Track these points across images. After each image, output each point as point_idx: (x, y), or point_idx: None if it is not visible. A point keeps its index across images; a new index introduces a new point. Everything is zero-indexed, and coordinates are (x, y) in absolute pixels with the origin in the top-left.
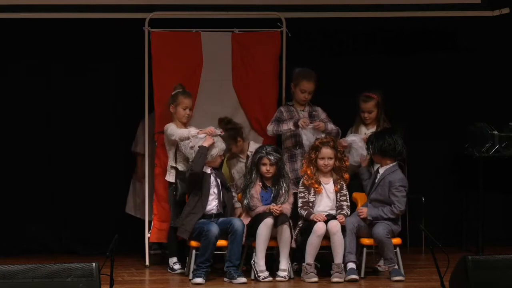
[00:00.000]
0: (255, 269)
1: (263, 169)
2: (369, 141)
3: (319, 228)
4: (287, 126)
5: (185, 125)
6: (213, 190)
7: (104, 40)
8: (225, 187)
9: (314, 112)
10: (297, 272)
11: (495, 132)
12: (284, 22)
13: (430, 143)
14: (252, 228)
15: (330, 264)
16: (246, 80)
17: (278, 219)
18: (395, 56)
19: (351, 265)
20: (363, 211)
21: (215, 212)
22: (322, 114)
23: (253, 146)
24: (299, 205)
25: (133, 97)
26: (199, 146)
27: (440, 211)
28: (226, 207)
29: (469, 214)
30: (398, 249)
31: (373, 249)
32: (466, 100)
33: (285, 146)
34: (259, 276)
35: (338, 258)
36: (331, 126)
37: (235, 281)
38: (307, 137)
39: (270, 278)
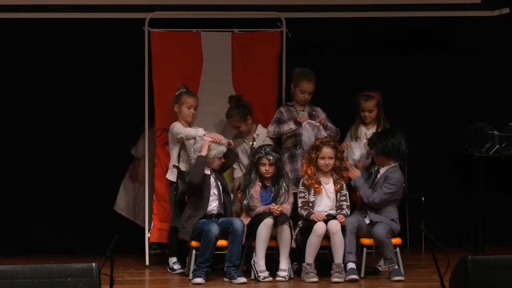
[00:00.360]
0: (255, 269)
1: (263, 169)
2: (371, 142)
3: (319, 228)
4: (288, 127)
5: (190, 124)
6: (213, 191)
7: (104, 40)
8: (225, 191)
9: (314, 112)
10: (297, 272)
11: (495, 132)
12: (284, 22)
13: (430, 143)
14: (252, 228)
15: (330, 264)
16: (246, 80)
17: (278, 219)
18: (395, 56)
19: (351, 265)
20: (354, 172)
21: (215, 213)
22: (322, 114)
23: (260, 130)
24: (299, 205)
25: (133, 97)
26: (197, 156)
27: (440, 211)
28: (226, 209)
29: (469, 214)
30: (398, 249)
31: (373, 249)
32: (466, 100)
33: (285, 146)
34: (259, 276)
35: (338, 258)
36: (331, 126)
37: (235, 281)
38: (308, 134)
39: (270, 278)
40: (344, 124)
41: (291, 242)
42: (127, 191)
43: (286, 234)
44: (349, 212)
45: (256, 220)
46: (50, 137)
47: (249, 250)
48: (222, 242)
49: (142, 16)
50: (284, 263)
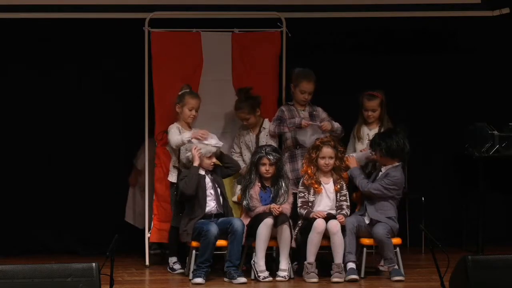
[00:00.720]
0: (255, 269)
1: (262, 169)
2: (374, 143)
3: (319, 224)
4: (288, 125)
5: (190, 125)
6: (210, 191)
7: (104, 40)
8: (223, 193)
9: (314, 112)
10: (297, 272)
11: (495, 132)
12: (284, 22)
13: (430, 143)
14: (252, 228)
15: (330, 264)
16: (246, 80)
17: (278, 219)
18: (395, 56)
19: (351, 265)
20: (351, 161)
21: (214, 213)
22: (323, 114)
23: (266, 123)
24: (299, 205)
25: (133, 97)
26: (191, 166)
27: (440, 211)
28: (226, 208)
29: (469, 214)
30: (398, 249)
31: (373, 249)
32: (466, 100)
33: (285, 146)
34: (259, 276)
35: (338, 258)
36: (336, 124)
37: (235, 281)
38: (306, 138)
39: (270, 278)
40: (344, 124)
41: (291, 242)
42: (134, 199)
43: (286, 234)
44: (349, 212)
45: (256, 220)
46: (50, 137)
47: (249, 250)
48: (221, 242)
49: (142, 16)
50: (284, 263)
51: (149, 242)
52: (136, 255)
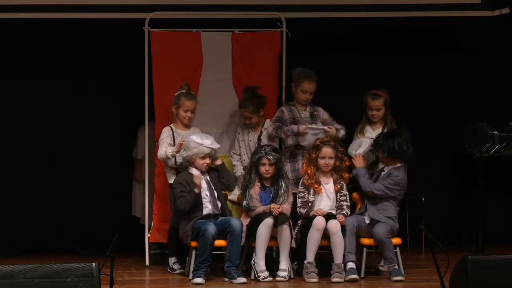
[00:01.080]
0: (255, 269)
1: (262, 169)
2: (377, 143)
3: (319, 222)
4: (284, 134)
5: (187, 126)
6: (205, 193)
7: (104, 40)
8: (219, 195)
9: (315, 112)
10: (297, 272)
11: (495, 132)
12: (284, 22)
13: (430, 143)
14: (252, 228)
15: (330, 264)
16: (246, 80)
17: (278, 219)
18: (395, 56)
19: (351, 265)
20: (358, 160)
21: (211, 213)
22: (324, 114)
23: (268, 124)
24: (299, 204)
25: (133, 97)
26: (191, 190)
27: (440, 211)
28: (223, 209)
29: (469, 214)
30: (398, 249)
31: (373, 249)
32: (466, 100)
33: (286, 146)
34: (259, 276)
35: (338, 258)
36: (341, 133)
37: (235, 281)
38: (308, 142)
39: (270, 278)
40: (344, 123)
41: (291, 242)
42: (136, 194)
43: (286, 234)
44: (349, 212)
45: (256, 220)
46: (50, 137)
47: (249, 250)
48: (221, 242)
49: (142, 16)
50: (284, 263)
51: (149, 242)
52: (136, 255)
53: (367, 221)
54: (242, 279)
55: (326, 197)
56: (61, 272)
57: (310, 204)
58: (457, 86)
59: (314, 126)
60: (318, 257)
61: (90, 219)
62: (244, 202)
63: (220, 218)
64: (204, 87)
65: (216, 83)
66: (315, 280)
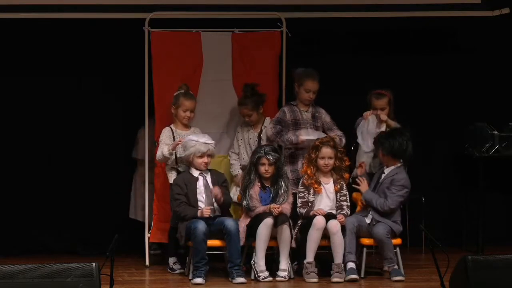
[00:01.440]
0: (255, 269)
1: (262, 169)
2: (378, 142)
3: (319, 221)
4: (282, 142)
5: (186, 126)
6: (201, 195)
7: (104, 40)
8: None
9: (317, 114)
10: (297, 272)
11: (495, 132)
12: (284, 22)
13: (430, 143)
14: (252, 228)
15: (330, 264)
16: (246, 80)
17: (278, 219)
18: (395, 56)
19: (351, 265)
20: (363, 185)
21: (207, 216)
22: (326, 117)
23: (267, 122)
24: (299, 204)
25: (133, 97)
26: (189, 212)
27: (440, 211)
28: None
29: (469, 214)
30: (398, 249)
31: (373, 249)
32: (466, 100)
33: (285, 146)
34: (259, 276)
35: (338, 258)
36: (343, 141)
37: (234, 281)
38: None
39: (270, 278)
40: (344, 124)
41: (291, 242)
42: (138, 196)
43: (286, 234)
44: (349, 212)
45: (256, 220)
46: (50, 137)
47: (249, 250)
48: (217, 242)
49: (142, 16)
50: (284, 263)
51: (149, 242)
52: (136, 255)
53: (368, 221)
54: (241, 279)
55: (326, 197)
56: (61, 272)
57: (310, 204)
58: (457, 86)
59: (311, 137)
60: (318, 257)
61: (90, 219)
62: (244, 202)
63: (217, 219)
64: (204, 87)
65: (216, 83)
66: (315, 280)
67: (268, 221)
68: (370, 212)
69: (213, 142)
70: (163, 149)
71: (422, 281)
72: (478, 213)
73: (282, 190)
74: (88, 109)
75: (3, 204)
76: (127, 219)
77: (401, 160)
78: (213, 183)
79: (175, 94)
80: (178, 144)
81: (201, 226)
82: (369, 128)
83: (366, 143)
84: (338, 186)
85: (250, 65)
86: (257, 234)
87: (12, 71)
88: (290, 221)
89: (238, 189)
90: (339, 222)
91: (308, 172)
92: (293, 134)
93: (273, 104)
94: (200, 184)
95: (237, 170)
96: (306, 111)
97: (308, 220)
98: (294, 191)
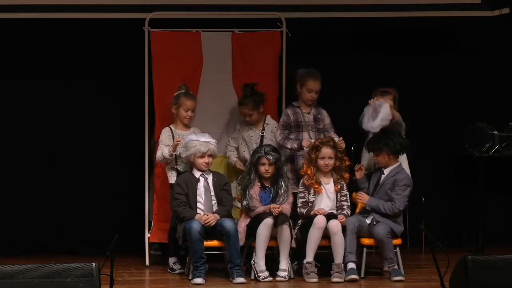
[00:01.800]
0: (255, 269)
1: (262, 169)
2: (375, 146)
3: (319, 221)
4: (291, 145)
5: (187, 126)
6: (200, 196)
7: (104, 40)
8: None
9: (319, 116)
10: (297, 272)
11: (495, 132)
12: (284, 22)
13: (430, 142)
14: (252, 228)
15: (330, 264)
16: (246, 80)
17: (278, 219)
18: (395, 56)
19: (351, 265)
20: (363, 197)
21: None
22: (327, 119)
23: (269, 119)
24: (299, 204)
25: (133, 97)
26: (188, 215)
27: (440, 211)
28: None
29: (469, 214)
30: (398, 249)
31: (373, 249)
32: (466, 100)
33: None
34: (259, 276)
35: (338, 258)
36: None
37: (234, 281)
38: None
39: (270, 278)
40: (344, 124)
41: (291, 242)
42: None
43: (286, 234)
44: (349, 212)
45: (256, 220)
46: (50, 137)
47: (249, 250)
48: (216, 243)
49: (142, 16)
50: (284, 263)
51: (149, 242)
52: (136, 255)
53: (368, 222)
54: (241, 279)
55: (327, 197)
56: (61, 272)
57: (310, 204)
58: (457, 86)
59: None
60: (318, 257)
61: (90, 219)
62: (244, 202)
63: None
64: (204, 87)
65: (216, 83)
66: (315, 280)
67: (268, 221)
68: (372, 213)
69: (214, 141)
70: (163, 150)
71: (422, 281)
72: (478, 213)
73: (282, 190)
74: (88, 109)
75: (3, 204)
76: (127, 219)
77: (398, 160)
78: (214, 185)
79: (175, 94)
80: (177, 145)
81: (196, 225)
82: (384, 112)
83: (371, 124)
84: (339, 186)
85: (250, 65)
86: (257, 234)
87: (12, 71)
88: (290, 221)
89: (239, 188)
90: (340, 222)
91: (309, 172)
92: (295, 141)
93: (273, 104)
94: (200, 185)
95: (233, 157)
96: (308, 113)
97: (308, 219)
98: (294, 191)
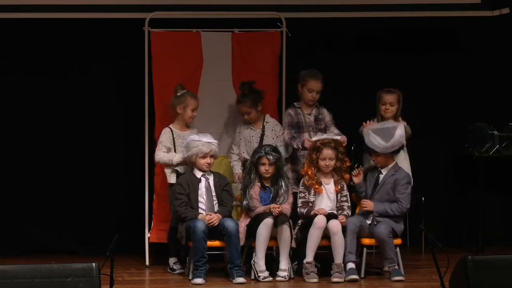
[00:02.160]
0: (255, 269)
1: (262, 169)
2: (372, 149)
3: (319, 220)
4: (297, 145)
5: (187, 127)
6: (202, 197)
7: (104, 40)
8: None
9: (320, 116)
10: (297, 272)
11: (495, 132)
12: (284, 22)
13: (430, 143)
14: (252, 228)
15: (330, 264)
16: (246, 80)
17: (278, 219)
18: (394, 56)
19: (351, 265)
20: (368, 204)
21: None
22: (327, 117)
23: (268, 118)
24: (299, 205)
25: (133, 97)
26: (191, 214)
27: (440, 211)
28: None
29: (469, 214)
30: (398, 249)
31: (373, 249)
32: (466, 100)
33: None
34: (259, 276)
35: (338, 258)
36: (343, 138)
37: (234, 281)
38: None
39: (270, 278)
40: (344, 125)
41: (291, 242)
42: None
43: (286, 234)
44: (350, 213)
45: (256, 220)
46: (50, 137)
47: (249, 250)
48: (217, 243)
49: (142, 16)
50: (284, 263)
51: (149, 242)
52: (136, 255)
53: (369, 222)
54: (241, 279)
55: (327, 197)
56: (61, 272)
57: (310, 204)
58: (457, 86)
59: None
60: (318, 257)
61: (90, 219)
62: (244, 202)
63: None
64: (204, 87)
65: (216, 83)
66: (315, 280)
67: (268, 221)
68: (373, 215)
69: (216, 141)
70: (174, 157)
71: (422, 281)
72: (478, 213)
73: (282, 190)
74: (88, 109)
75: (3, 204)
76: (127, 219)
77: (394, 159)
78: (215, 186)
79: (179, 94)
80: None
81: (201, 224)
82: (400, 135)
83: (385, 145)
84: (339, 187)
85: (250, 65)
86: (257, 234)
87: (12, 71)
88: (290, 221)
89: (239, 188)
90: (340, 222)
91: (309, 172)
92: (295, 142)
93: (273, 104)
94: (202, 185)
95: (238, 170)
96: (309, 114)
97: (308, 219)
98: (294, 191)
